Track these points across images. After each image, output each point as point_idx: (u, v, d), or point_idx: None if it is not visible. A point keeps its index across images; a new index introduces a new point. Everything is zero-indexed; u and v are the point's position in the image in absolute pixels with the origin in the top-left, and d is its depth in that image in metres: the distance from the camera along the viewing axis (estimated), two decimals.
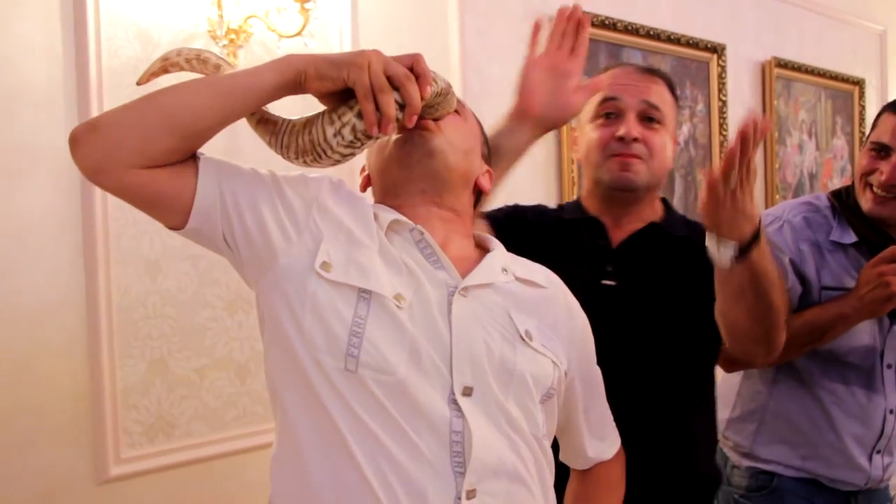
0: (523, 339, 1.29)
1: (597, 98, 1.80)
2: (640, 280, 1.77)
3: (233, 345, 2.67)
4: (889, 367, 2.16)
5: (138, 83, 1.41)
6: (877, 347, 2.14)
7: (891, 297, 1.94)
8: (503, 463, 1.22)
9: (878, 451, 2.20)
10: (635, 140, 1.76)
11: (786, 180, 4.83)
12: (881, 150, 2.08)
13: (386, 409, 1.18)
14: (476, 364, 1.22)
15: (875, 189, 2.08)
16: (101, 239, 2.41)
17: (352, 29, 2.90)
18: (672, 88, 1.86)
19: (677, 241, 1.83)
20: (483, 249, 1.40)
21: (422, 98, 1.21)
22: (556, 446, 1.49)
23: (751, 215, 1.52)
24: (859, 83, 5.41)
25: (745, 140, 1.46)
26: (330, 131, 1.23)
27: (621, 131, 1.76)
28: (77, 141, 1.17)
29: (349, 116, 1.21)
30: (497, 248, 1.40)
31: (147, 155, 1.15)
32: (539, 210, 1.99)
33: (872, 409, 2.18)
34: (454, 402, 1.20)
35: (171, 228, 1.24)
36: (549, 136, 3.50)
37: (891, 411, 2.18)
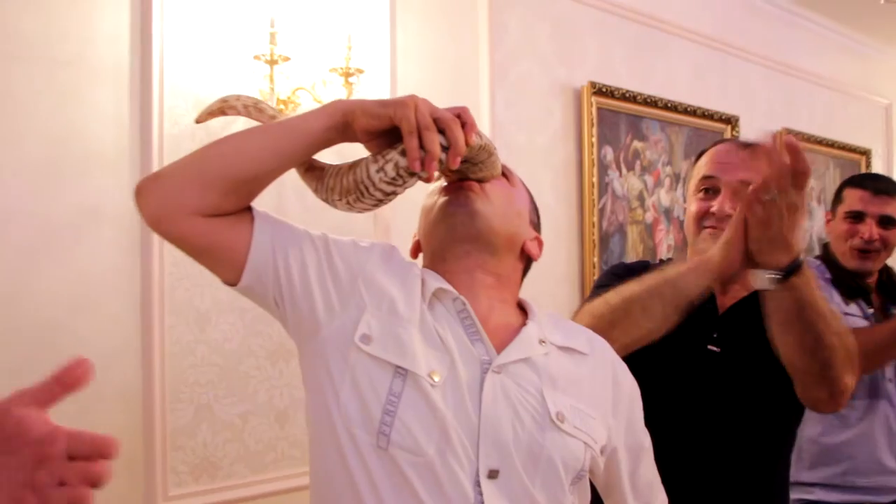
0: (553, 422, 1.21)
1: (699, 174, 1.82)
2: (744, 348, 1.70)
3: (273, 392, 2.70)
4: (890, 380, 2.40)
5: (197, 121, 1.42)
6: None
7: None
8: None
9: None
10: (728, 216, 1.70)
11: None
12: (854, 217, 2.45)
13: (413, 487, 1.15)
14: (503, 447, 1.18)
15: (857, 248, 2.43)
16: (157, 292, 2.45)
17: None
18: None
19: None
20: (525, 315, 1.34)
21: (466, 143, 1.16)
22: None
23: (788, 245, 1.47)
24: (866, 153, 5.46)
25: (794, 151, 1.40)
26: (373, 168, 1.18)
27: (714, 207, 1.75)
28: (141, 191, 1.18)
29: (393, 154, 1.17)
30: (537, 316, 1.33)
31: (205, 201, 1.14)
32: (648, 267, 1.91)
33: (879, 419, 2.39)
34: (478, 484, 1.15)
35: (226, 283, 1.22)
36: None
37: None
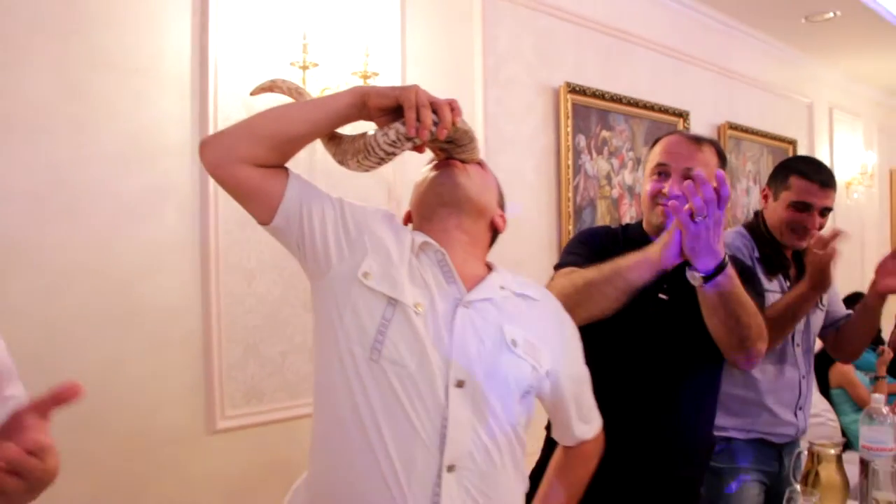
0: (508, 347, 1.28)
1: (654, 160, 1.86)
2: (688, 298, 1.71)
3: (307, 335, 2.70)
4: (798, 345, 2.32)
5: (251, 94, 1.48)
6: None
7: (825, 271, 2.09)
8: (477, 445, 1.23)
9: (801, 408, 2.34)
10: (676, 196, 1.72)
11: (736, 217, 4.87)
12: (801, 207, 2.26)
13: (396, 392, 1.20)
14: (468, 364, 1.23)
15: (798, 233, 2.28)
16: (213, 255, 2.48)
17: None
18: (719, 153, 1.85)
19: None
20: (492, 271, 1.39)
21: (453, 123, 1.22)
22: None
23: (714, 252, 1.51)
24: (793, 143, 5.45)
25: (720, 180, 1.46)
26: (379, 134, 1.24)
27: (665, 188, 1.80)
28: (205, 143, 1.25)
29: (395, 124, 1.22)
30: (500, 270, 1.39)
31: (253, 152, 1.20)
32: (609, 231, 1.99)
33: (790, 381, 2.33)
34: (447, 391, 1.21)
35: (260, 223, 1.27)
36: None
37: (803, 377, 2.34)
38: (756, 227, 2.37)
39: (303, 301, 2.71)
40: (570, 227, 3.68)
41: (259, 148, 1.21)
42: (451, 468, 1.21)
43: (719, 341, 1.68)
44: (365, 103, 1.23)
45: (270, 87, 1.45)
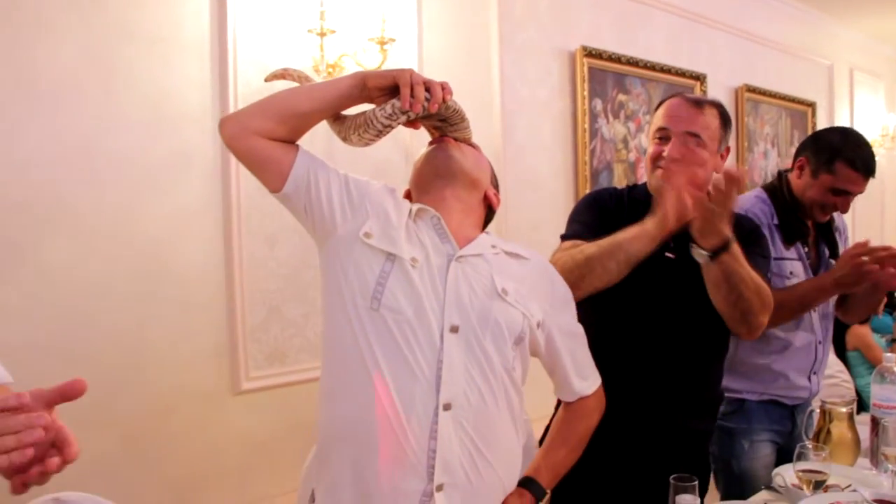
0: (499, 295, 1.37)
1: (656, 124, 1.88)
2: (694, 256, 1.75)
3: None
4: (815, 311, 2.32)
5: (266, 80, 1.58)
6: None
7: (861, 280, 2.08)
8: (471, 386, 1.32)
9: (815, 373, 2.36)
10: (675, 160, 1.80)
11: (753, 180, 4.85)
12: (840, 194, 2.23)
13: (396, 338, 1.30)
14: (461, 310, 1.33)
15: (827, 211, 2.28)
16: (236, 219, 2.52)
17: (418, 63, 2.99)
18: (722, 115, 1.85)
19: None
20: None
21: (443, 100, 1.34)
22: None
23: (720, 232, 1.59)
24: (812, 105, 5.41)
25: (731, 180, 1.54)
26: (377, 109, 1.35)
27: (665, 152, 1.82)
28: (223, 121, 1.36)
29: (392, 101, 1.34)
30: (491, 234, 1.50)
31: (265, 126, 1.32)
32: (614, 192, 2.01)
33: (806, 346, 2.33)
34: (443, 337, 1.31)
35: (271, 191, 1.38)
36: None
37: (819, 342, 2.35)
38: (779, 192, 2.33)
39: None
40: (587, 191, 3.68)
41: (270, 122, 1.33)
42: (447, 406, 1.30)
43: (722, 314, 1.75)
44: (365, 84, 1.34)
45: (283, 74, 1.56)
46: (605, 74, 3.82)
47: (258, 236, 2.59)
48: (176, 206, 2.42)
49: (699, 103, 1.86)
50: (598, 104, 3.80)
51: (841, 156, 2.19)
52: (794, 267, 2.27)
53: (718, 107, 1.88)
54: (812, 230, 2.34)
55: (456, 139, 1.49)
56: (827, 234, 2.38)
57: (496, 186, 1.58)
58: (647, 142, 3.95)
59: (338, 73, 2.69)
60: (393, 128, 1.39)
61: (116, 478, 2.16)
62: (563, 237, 1.87)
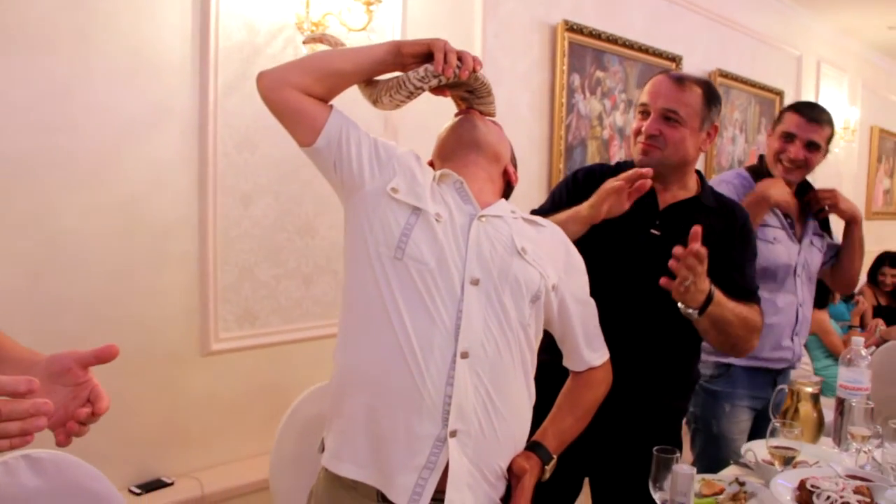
0: (518, 253, 1.42)
1: (640, 99, 1.92)
2: (679, 235, 1.75)
3: (301, 260, 2.74)
4: (798, 276, 2.48)
5: (303, 42, 1.66)
6: (791, 263, 2.45)
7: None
8: (488, 337, 1.36)
9: (796, 334, 2.51)
10: (652, 135, 1.86)
11: (721, 164, 4.92)
12: (787, 138, 2.44)
13: (417, 287, 1.34)
14: (482, 264, 1.37)
15: (785, 164, 2.45)
16: (211, 176, 2.45)
17: (402, 27, 2.96)
18: (706, 93, 1.88)
19: (708, 210, 1.90)
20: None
21: (473, 70, 1.39)
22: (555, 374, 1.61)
23: (703, 290, 1.64)
24: (780, 94, 5.49)
25: (698, 256, 1.58)
26: (411, 74, 1.41)
27: (644, 127, 1.87)
28: (261, 74, 1.40)
29: (424, 65, 1.40)
30: (510, 203, 1.56)
31: (303, 81, 1.37)
32: (603, 168, 2.02)
33: (789, 306, 2.48)
34: (464, 288, 1.35)
35: (301, 144, 1.42)
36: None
37: (800, 304, 2.51)
38: (759, 169, 2.55)
39: (297, 227, 2.72)
40: (561, 166, 3.70)
41: (308, 77, 1.38)
42: (464, 355, 1.33)
43: (714, 347, 1.89)
44: (399, 51, 1.41)
45: (320, 38, 1.65)
46: (585, 50, 3.81)
47: (233, 195, 2.54)
48: (151, 158, 2.35)
49: (681, 80, 1.88)
50: (577, 79, 3.79)
51: (789, 108, 2.54)
52: (776, 234, 2.44)
53: (703, 85, 1.90)
54: (797, 206, 2.52)
55: (481, 112, 1.56)
56: (816, 215, 2.59)
57: (515, 165, 1.64)
58: (621, 120, 4.01)
59: (321, 30, 2.63)
60: (423, 90, 1.44)
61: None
62: (532, 211, 1.88)
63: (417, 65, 1.41)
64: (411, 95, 1.44)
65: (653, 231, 1.85)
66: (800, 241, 2.50)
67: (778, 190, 2.38)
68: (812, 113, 2.46)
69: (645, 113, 1.89)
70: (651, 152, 1.87)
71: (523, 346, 1.42)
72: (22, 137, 2.09)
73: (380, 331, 1.36)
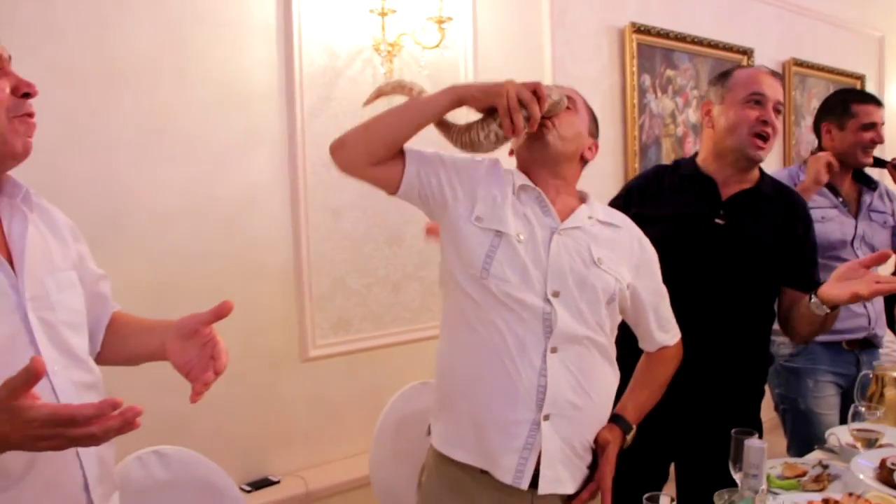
0: (595, 263, 1.52)
1: (747, 89, 1.90)
2: (743, 224, 1.87)
3: (390, 268, 2.84)
4: (856, 248, 2.51)
5: (364, 105, 1.68)
6: (846, 238, 2.49)
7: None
8: (575, 335, 1.48)
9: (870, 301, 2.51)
10: (772, 126, 1.89)
11: (800, 154, 4.82)
12: (869, 128, 2.54)
13: (503, 302, 1.46)
14: (562, 278, 1.48)
15: (870, 150, 2.57)
16: (302, 193, 2.60)
17: (473, 42, 3.04)
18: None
19: (769, 199, 1.94)
20: (583, 201, 1.60)
21: (539, 110, 1.43)
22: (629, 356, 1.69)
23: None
24: (861, 78, 5.30)
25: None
26: (482, 135, 1.48)
27: (765, 116, 1.88)
28: (333, 152, 1.49)
29: (493, 126, 1.46)
30: (590, 202, 1.60)
31: (373, 158, 1.46)
32: (658, 169, 2.07)
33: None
34: (547, 300, 1.46)
35: (388, 194, 1.52)
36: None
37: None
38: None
39: (386, 237, 2.83)
40: (636, 166, 3.72)
41: (375, 150, 1.46)
42: (554, 350, 1.47)
43: (797, 333, 1.96)
44: (460, 101, 1.45)
45: (378, 94, 1.66)
46: (654, 50, 3.82)
47: (323, 210, 2.67)
48: (246, 181, 2.50)
49: (776, 74, 1.96)
50: (647, 80, 3.81)
51: (850, 99, 2.61)
52: (825, 213, 2.50)
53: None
54: (853, 185, 2.62)
55: (552, 117, 1.53)
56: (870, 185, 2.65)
57: (595, 131, 1.65)
58: (694, 116, 3.99)
59: (397, 51, 2.75)
60: (499, 148, 1.51)
61: (190, 436, 2.24)
62: (610, 203, 1.95)
63: (481, 111, 1.47)
64: (488, 152, 1.52)
65: (717, 221, 1.90)
66: (855, 216, 2.55)
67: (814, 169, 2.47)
68: (872, 96, 2.64)
69: (759, 102, 1.89)
70: (768, 144, 1.91)
71: (602, 341, 1.54)
72: (130, 170, 2.27)
73: (477, 336, 1.49)
